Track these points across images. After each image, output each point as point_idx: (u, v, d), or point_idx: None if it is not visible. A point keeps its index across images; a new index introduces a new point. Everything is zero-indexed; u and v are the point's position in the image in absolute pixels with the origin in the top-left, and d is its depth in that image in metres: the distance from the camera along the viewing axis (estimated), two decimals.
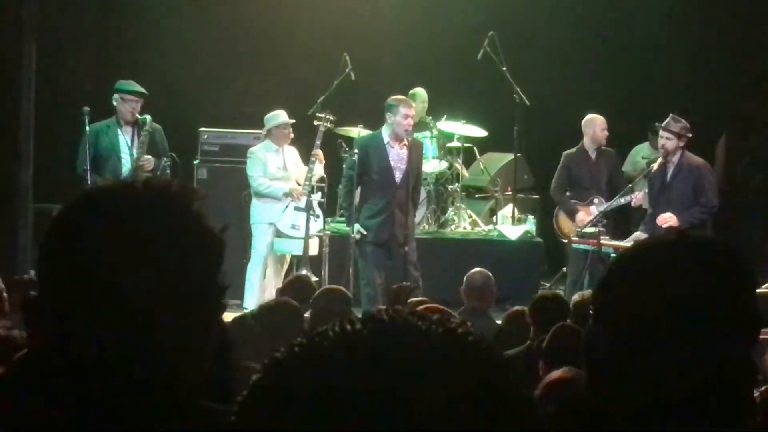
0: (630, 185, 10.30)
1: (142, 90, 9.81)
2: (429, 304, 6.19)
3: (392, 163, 9.68)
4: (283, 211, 10.01)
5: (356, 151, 9.71)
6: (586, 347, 1.83)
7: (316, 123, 10.24)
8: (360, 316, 0.95)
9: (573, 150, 10.44)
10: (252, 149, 10.14)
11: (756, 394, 4.12)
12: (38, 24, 10.39)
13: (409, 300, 7.10)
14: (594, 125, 10.35)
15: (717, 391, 1.77)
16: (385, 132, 9.77)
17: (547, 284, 11.04)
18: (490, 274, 7.72)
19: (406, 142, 9.72)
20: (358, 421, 0.86)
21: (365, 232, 9.66)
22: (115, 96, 9.75)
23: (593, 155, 10.39)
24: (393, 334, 0.90)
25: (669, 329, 1.75)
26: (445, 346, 0.90)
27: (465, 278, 7.69)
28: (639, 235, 9.42)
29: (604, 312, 1.84)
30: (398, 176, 9.67)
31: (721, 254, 1.84)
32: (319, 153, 10.08)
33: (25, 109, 10.21)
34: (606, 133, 10.36)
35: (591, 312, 1.85)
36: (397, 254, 9.66)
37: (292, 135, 10.15)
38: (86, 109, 9.68)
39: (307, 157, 10.10)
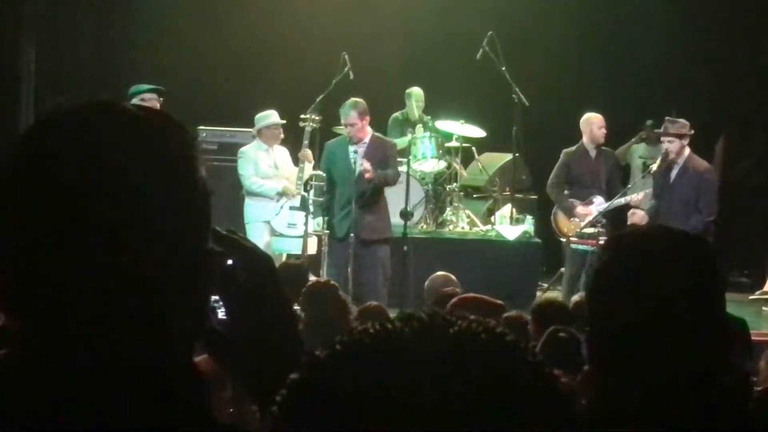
0: (629, 186, 10.33)
1: (160, 87, 9.55)
2: (467, 296, 5.98)
3: (352, 160, 9.66)
4: (278, 211, 10.02)
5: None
6: (587, 351, 1.84)
7: (301, 124, 10.27)
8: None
9: (573, 148, 10.42)
10: (243, 149, 10.16)
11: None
12: (37, 22, 10.38)
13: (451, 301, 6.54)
14: (591, 124, 10.35)
15: (709, 387, 1.78)
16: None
17: (545, 285, 11.04)
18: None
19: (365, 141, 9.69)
20: (398, 419, 0.86)
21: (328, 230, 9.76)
22: (134, 100, 9.07)
23: (593, 154, 10.37)
24: (433, 333, 0.91)
25: (657, 327, 1.76)
26: (485, 345, 0.91)
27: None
28: None
29: (596, 316, 1.86)
30: (357, 171, 9.63)
31: (698, 249, 1.86)
32: (308, 153, 10.10)
33: (23, 107, 10.19)
34: (603, 131, 10.35)
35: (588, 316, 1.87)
36: (359, 252, 9.67)
37: (282, 136, 10.17)
38: None
39: (297, 158, 10.15)
